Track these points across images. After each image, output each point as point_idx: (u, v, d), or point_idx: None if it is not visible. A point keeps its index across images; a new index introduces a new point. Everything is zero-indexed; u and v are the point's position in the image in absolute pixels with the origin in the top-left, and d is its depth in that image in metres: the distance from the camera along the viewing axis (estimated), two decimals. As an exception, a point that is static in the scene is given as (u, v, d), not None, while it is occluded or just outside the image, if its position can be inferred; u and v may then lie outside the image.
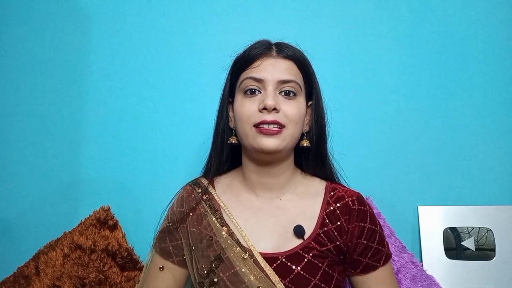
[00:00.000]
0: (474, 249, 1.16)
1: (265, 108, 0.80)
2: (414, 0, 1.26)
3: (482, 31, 1.25)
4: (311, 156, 0.91)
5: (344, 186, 0.92)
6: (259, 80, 0.83)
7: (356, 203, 0.87)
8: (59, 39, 1.27)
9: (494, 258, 1.15)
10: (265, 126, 0.80)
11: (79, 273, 1.11)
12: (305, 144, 0.88)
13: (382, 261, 0.85)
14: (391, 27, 1.26)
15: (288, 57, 0.85)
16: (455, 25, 1.25)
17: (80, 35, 1.27)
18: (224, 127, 0.90)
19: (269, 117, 0.80)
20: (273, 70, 0.83)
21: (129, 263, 1.16)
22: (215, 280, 0.81)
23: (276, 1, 1.27)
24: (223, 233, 0.84)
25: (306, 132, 0.89)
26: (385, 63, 1.25)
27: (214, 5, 1.27)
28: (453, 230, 1.18)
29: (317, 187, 0.90)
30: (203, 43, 1.27)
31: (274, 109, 0.80)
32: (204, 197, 0.90)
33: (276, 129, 0.81)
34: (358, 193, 0.90)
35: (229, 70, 0.91)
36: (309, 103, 0.90)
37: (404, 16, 1.26)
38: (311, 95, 0.90)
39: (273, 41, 0.89)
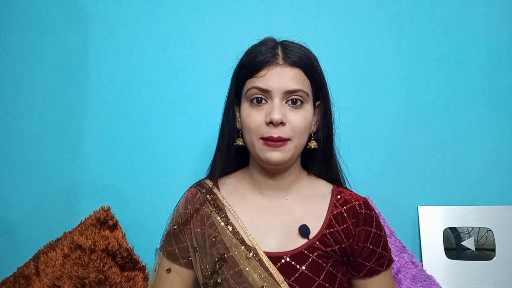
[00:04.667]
0: (474, 249, 1.16)
1: (271, 122, 0.80)
2: (416, 0, 1.26)
3: (483, 31, 1.24)
4: (318, 157, 0.90)
5: (350, 190, 0.93)
6: (265, 91, 0.81)
7: (363, 207, 0.87)
8: (59, 39, 1.27)
9: (494, 258, 1.15)
10: (271, 141, 0.81)
11: (79, 273, 1.11)
12: (312, 146, 0.88)
13: (384, 266, 0.86)
14: (393, 27, 1.25)
15: (294, 64, 0.82)
16: (457, 25, 1.25)
17: (80, 35, 1.27)
18: (231, 129, 0.89)
19: (275, 132, 0.80)
20: (279, 80, 0.81)
21: (129, 263, 1.16)
22: (219, 280, 0.81)
23: (278, 0, 1.27)
24: (228, 232, 0.84)
25: (313, 133, 0.88)
26: (385, 63, 1.25)
27: (215, 4, 1.27)
28: (453, 230, 1.18)
29: (323, 189, 0.91)
30: (203, 42, 1.26)
31: (281, 122, 0.80)
32: (209, 197, 0.90)
33: (281, 142, 0.81)
34: (364, 197, 0.91)
35: (234, 72, 0.89)
36: (317, 103, 0.89)
37: (407, 16, 1.25)
38: (319, 95, 0.88)
39: (278, 39, 0.87)
